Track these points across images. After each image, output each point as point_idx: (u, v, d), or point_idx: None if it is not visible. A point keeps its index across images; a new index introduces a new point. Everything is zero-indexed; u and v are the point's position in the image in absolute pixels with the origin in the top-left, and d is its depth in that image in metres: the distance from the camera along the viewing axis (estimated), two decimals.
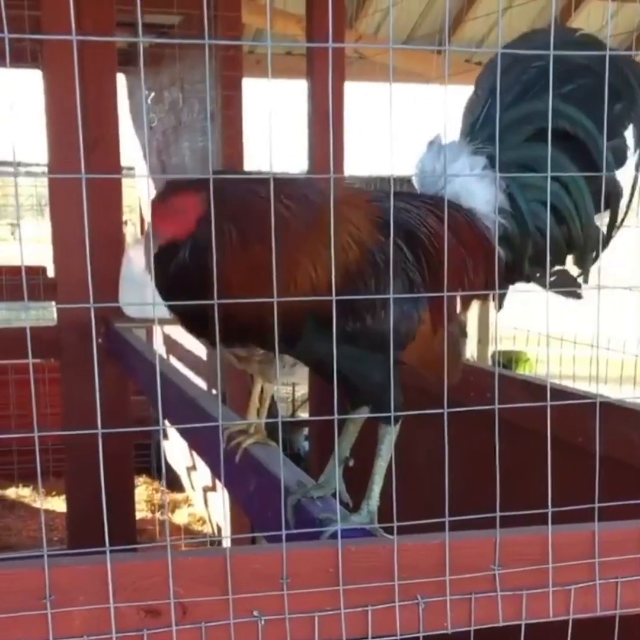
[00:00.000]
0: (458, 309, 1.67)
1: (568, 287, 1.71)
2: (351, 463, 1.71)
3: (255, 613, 1.28)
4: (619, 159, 1.71)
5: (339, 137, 4.10)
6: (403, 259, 1.53)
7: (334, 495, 1.66)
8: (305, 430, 5.94)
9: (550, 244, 1.60)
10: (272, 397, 6.42)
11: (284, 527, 1.30)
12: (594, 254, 1.73)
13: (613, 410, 2.11)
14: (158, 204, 1.46)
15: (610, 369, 3.87)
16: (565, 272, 1.74)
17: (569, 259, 1.75)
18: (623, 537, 1.40)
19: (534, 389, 2.55)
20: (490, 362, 6.55)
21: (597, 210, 1.70)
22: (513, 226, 1.67)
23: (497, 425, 1.32)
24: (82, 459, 4.10)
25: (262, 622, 1.28)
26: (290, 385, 7.14)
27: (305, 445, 5.76)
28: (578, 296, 1.70)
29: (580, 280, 1.73)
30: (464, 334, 1.72)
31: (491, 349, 6.54)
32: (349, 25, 7.29)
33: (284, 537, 1.28)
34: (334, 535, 1.38)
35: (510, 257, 1.68)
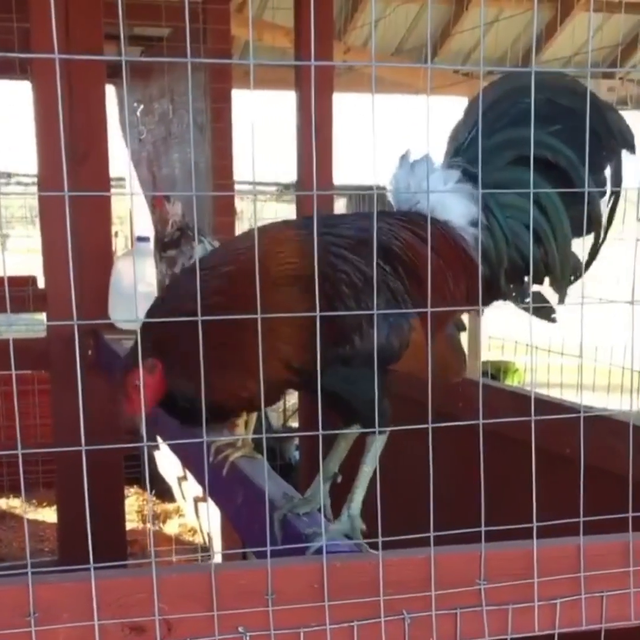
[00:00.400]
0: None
1: (543, 311, 1.72)
2: (339, 479, 1.70)
3: (240, 629, 1.28)
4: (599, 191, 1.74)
5: (327, 149, 4.10)
6: (381, 272, 1.52)
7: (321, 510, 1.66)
8: (296, 440, 5.93)
9: (527, 263, 1.63)
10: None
11: (269, 543, 1.30)
12: (571, 278, 1.74)
13: (600, 421, 2.11)
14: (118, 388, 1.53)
15: (598, 377, 3.88)
16: (539, 294, 1.75)
17: (546, 281, 1.76)
18: (608, 550, 1.40)
19: (521, 400, 2.55)
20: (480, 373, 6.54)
21: (575, 234, 1.72)
22: (488, 240, 1.68)
23: (485, 436, 1.32)
24: (71, 471, 4.08)
25: (247, 638, 1.28)
26: None
27: (296, 454, 5.75)
28: (553, 320, 1.71)
29: (556, 302, 1.74)
30: (462, 328, 1.72)
31: (477, 360, 6.54)
32: (338, 38, 7.31)
33: (268, 553, 1.28)
34: (319, 551, 1.38)
35: (487, 272, 1.68)
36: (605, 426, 2.13)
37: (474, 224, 1.67)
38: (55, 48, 1.16)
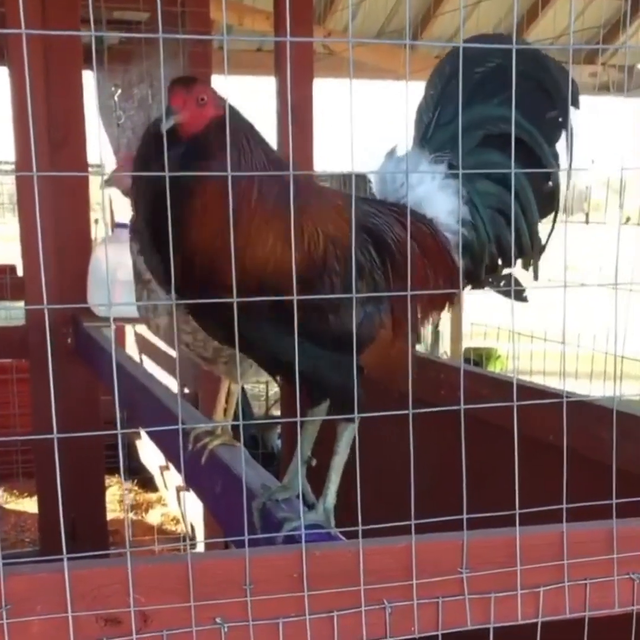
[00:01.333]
0: (418, 316, 1.67)
1: (516, 292, 1.73)
2: (314, 463, 1.69)
3: (218, 620, 1.26)
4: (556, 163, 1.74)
5: (307, 134, 4.07)
6: (371, 260, 1.51)
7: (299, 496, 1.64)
8: (279, 429, 5.91)
9: (504, 249, 1.69)
10: (245, 395, 6.40)
11: (246, 532, 1.27)
12: (540, 254, 1.77)
13: (584, 407, 2.09)
14: (180, 86, 1.45)
15: (580, 364, 3.87)
16: (511, 276, 1.77)
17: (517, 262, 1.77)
18: (591, 537, 1.38)
19: (504, 386, 2.54)
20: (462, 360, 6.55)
21: (543, 212, 1.74)
22: (473, 236, 1.69)
23: (468, 423, 1.30)
24: (50, 460, 4.05)
25: (225, 629, 1.25)
26: (263, 383, 7.11)
27: (279, 443, 5.74)
28: (525, 299, 1.72)
29: (529, 281, 1.75)
30: (418, 341, 1.72)
31: (449, 348, 6.55)
32: (318, 22, 7.26)
33: (246, 543, 1.25)
34: (291, 537, 1.36)
35: (470, 266, 1.70)
36: (589, 412, 2.12)
37: (461, 222, 1.67)
38: (22, 24, 1.13)
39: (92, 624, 1.22)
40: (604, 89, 7.35)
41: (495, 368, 7.67)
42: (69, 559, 1.21)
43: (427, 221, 1.66)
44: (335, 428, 1.56)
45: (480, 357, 7.34)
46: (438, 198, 1.67)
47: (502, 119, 1.67)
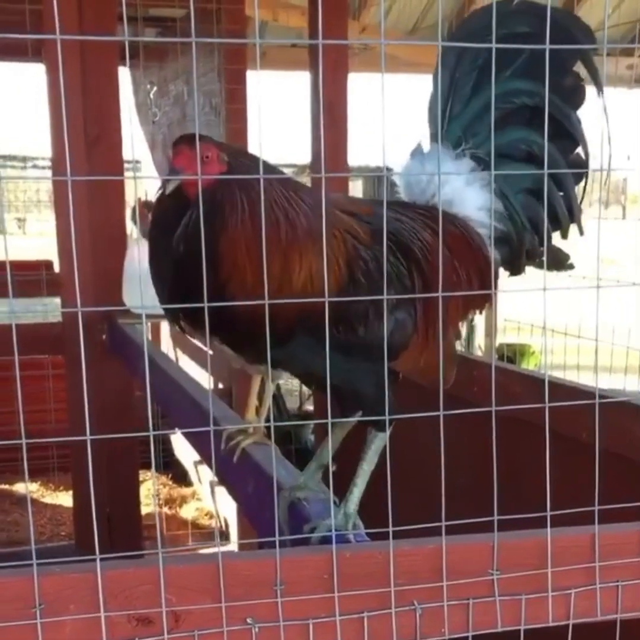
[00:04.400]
0: (455, 318, 1.65)
1: (559, 262, 1.72)
2: (334, 468, 1.68)
3: (249, 620, 1.26)
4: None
5: (341, 130, 4.05)
6: (397, 266, 1.50)
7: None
8: (312, 424, 5.92)
9: (541, 231, 1.65)
10: (280, 390, 6.39)
11: (277, 533, 1.28)
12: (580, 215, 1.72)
13: (618, 405, 2.07)
14: (183, 145, 1.43)
15: (615, 359, 3.83)
16: (553, 248, 1.74)
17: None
18: (624, 540, 1.37)
19: (536, 383, 2.52)
20: (496, 356, 6.52)
21: (577, 179, 1.70)
22: (508, 227, 1.67)
23: (501, 422, 1.29)
24: (86, 456, 4.09)
25: (256, 629, 1.26)
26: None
27: (312, 438, 5.74)
28: (571, 266, 1.71)
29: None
30: (458, 337, 1.70)
31: (483, 342, 6.52)
32: (354, 17, 7.24)
33: (277, 544, 1.26)
34: (323, 540, 1.37)
35: (509, 256, 1.67)
36: (623, 411, 2.10)
37: (493, 215, 1.64)
38: (57, 29, 1.14)
39: (124, 623, 1.23)
40: None
41: (528, 364, 7.62)
42: (101, 559, 1.22)
43: (458, 221, 1.64)
44: (365, 434, 1.56)
45: (514, 353, 7.30)
46: (466, 195, 1.65)
47: (518, 92, 1.63)
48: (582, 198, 1.73)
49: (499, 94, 1.59)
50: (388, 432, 1.50)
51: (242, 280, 1.39)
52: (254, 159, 1.43)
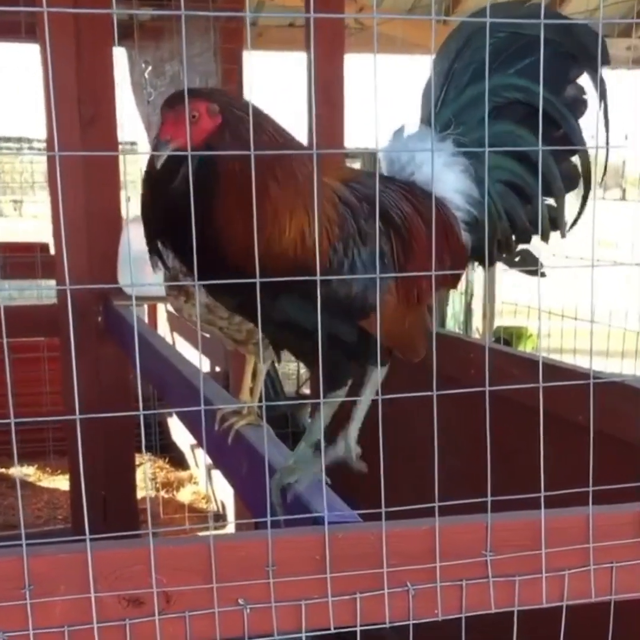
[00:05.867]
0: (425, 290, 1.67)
1: (530, 265, 1.72)
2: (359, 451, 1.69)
3: (240, 601, 1.26)
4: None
5: (338, 110, 4.03)
6: (377, 231, 1.53)
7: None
8: (309, 407, 5.91)
9: (517, 225, 1.67)
10: (277, 373, 6.37)
11: (269, 514, 1.27)
12: (563, 229, 1.72)
13: (613, 387, 2.07)
14: (167, 111, 1.43)
15: (612, 342, 3.83)
16: (527, 251, 1.75)
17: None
18: (618, 520, 1.36)
19: (534, 365, 2.51)
20: (493, 338, 6.51)
21: (568, 186, 1.69)
22: (481, 213, 1.66)
23: (498, 404, 1.29)
24: (82, 439, 4.08)
25: (248, 610, 1.25)
26: (294, 362, 7.10)
27: (309, 422, 5.73)
28: (542, 274, 1.66)
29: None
30: (430, 311, 1.71)
31: (479, 324, 6.51)
32: None
33: (269, 524, 1.25)
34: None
35: (477, 243, 1.68)
36: (618, 392, 2.09)
37: (469, 200, 1.66)
38: (44, 2, 1.12)
39: (115, 604, 1.23)
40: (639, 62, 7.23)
41: (526, 347, 7.61)
42: (92, 539, 1.21)
43: (437, 202, 1.65)
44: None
45: (510, 335, 7.29)
46: (445, 177, 1.65)
47: (512, 87, 1.64)
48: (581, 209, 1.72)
49: (495, 86, 1.62)
50: (385, 369, 1.55)
51: (234, 231, 1.41)
52: (246, 107, 1.43)
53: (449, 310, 7.43)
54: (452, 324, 7.49)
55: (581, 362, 2.85)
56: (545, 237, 1.73)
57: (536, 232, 1.71)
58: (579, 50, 1.61)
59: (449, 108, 1.67)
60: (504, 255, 1.73)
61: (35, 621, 1.20)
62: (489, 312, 6.30)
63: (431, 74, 1.68)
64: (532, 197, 1.67)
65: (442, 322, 6.76)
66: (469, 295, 7.46)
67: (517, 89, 1.64)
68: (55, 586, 1.21)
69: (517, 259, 1.74)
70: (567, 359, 3.10)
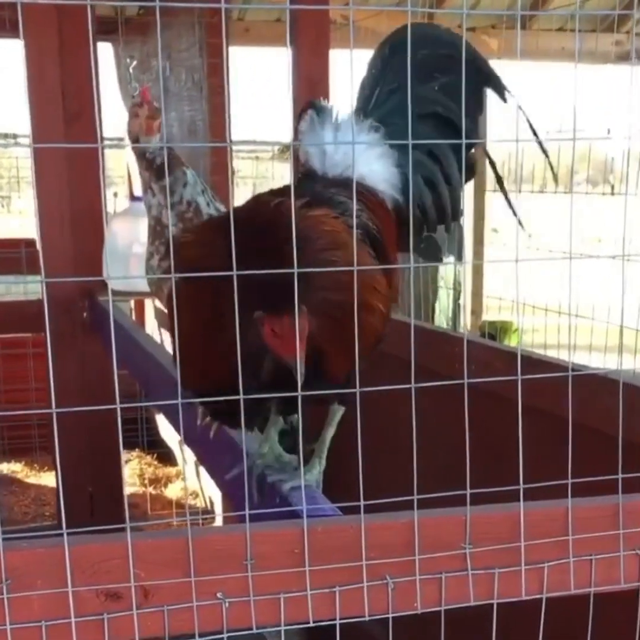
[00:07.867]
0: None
1: (434, 251, 1.93)
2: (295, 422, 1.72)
3: (219, 595, 1.25)
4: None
5: None
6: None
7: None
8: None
9: (428, 214, 1.87)
10: None
11: (247, 507, 1.26)
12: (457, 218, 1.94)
13: (592, 380, 2.07)
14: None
15: (595, 337, 3.83)
16: (431, 238, 1.92)
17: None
18: (597, 513, 1.36)
19: (516, 359, 2.51)
20: (479, 333, 6.51)
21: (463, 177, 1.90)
22: (404, 201, 1.80)
23: (481, 397, 1.29)
24: (66, 435, 4.07)
25: (226, 604, 1.25)
26: None
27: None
28: (440, 259, 1.93)
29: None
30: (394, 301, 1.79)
31: (462, 320, 6.52)
32: None
33: (248, 518, 1.25)
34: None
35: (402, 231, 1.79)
36: (599, 385, 2.09)
37: (395, 188, 1.81)
38: None
39: (92, 599, 1.22)
40: (626, 58, 7.22)
41: (511, 341, 7.60)
42: (72, 533, 1.20)
43: (376, 194, 1.78)
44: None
45: (495, 330, 7.28)
46: (378, 168, 1.79)
47: (433, 102, 1.85)
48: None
49: (421, 97, 1.82)
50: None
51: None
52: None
53: (437, 307, 7.42)
54: (442, 320, 7.48)
55: (564, 356, 2.86)
56: (447, 228, 1.92)
57: (442, 221, 1.91)
58: (482, 77, 1.86)
59: (382, 107, 1.85)
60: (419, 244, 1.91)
61: (13, 616, 1.19)
62: (466, 304, 6.31)
63: (368, 70, 1.89)
64: (438, 186, 1.87)
65: (431, 318, 6.76)
66: (456, 291, 7.45)
67: (437, 103, 1.86)
68: (33, 581, 1.20)
69: (422, 245, 1.91)
70: (551, 354, 3.10)
